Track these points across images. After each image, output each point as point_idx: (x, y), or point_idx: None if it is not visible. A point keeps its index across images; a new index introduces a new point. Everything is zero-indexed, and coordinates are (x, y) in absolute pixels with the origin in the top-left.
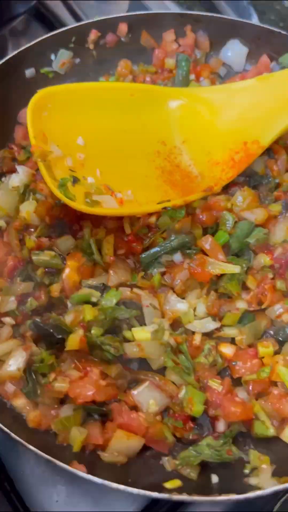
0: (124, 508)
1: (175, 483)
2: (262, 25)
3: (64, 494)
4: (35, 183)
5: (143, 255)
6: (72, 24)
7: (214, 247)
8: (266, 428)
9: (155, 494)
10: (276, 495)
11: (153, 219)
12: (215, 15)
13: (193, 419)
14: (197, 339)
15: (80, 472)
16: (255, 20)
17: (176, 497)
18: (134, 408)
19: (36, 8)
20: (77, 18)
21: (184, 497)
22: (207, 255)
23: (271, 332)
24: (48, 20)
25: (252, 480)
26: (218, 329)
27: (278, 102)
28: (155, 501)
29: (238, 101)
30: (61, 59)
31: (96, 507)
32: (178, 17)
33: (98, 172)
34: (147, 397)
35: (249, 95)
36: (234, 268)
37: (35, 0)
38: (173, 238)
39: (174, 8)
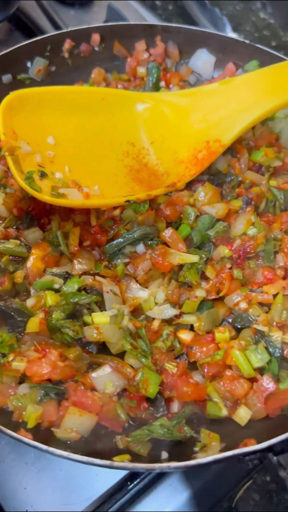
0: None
1: (123, 458)
2: (227, 35)
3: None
4: (6, 179)
5: (107, 246)
6: (50, 31)
7: (175, 239)
8: (218, 409)
9: (97, 461)
10: (241, 481)
11: (117, 212)
12: (183, 26)
13: (149, 400)
14: (155, 324)
15: (25, 439)
16: (228, 29)
17: (117, 464)
18: (93, 389)
19: (17, 17)
20: (56, 26)
21: (124, 464)
22: (169, 246)
23: (230, 320)
24: (28, 29)
25: (200, 456)
26: (178, 316)
27: (238, 104)
28: (115, 490)
29: (201, 104)
30: (37, 66)
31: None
32: (148, 28)
33: (67, 169)
34: (104, 379)
35: (212, 98)
36: (192, 258)
37: (14, 9)
38: (135, 229)
39: (152, 20)
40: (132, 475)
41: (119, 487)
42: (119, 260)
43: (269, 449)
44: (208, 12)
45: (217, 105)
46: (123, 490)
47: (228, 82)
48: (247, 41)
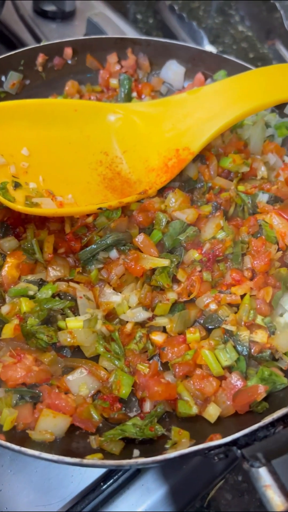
0: (64, 495)
1: (95, 456)
2: (195, 46)
3: (8, 483)
4: None
5: (81, 252)
6: (32, 45)
7: (147, 244)
8: (189, 407)
9: (67, 459)
10: (213, 481)
11: (90, 219)
12: (152, 38)
13: (122, 401)
14: (128, 327)
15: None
16: (206, 42)
17: (86, 461)
18: (67, 392)
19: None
20: (38, 39)
21: (93, 461)
22: (141, 252)
23: (201, 321)
24: (10, 41)
25: (169, 453)
26: (150, 319)
27: (205, 113)
28: (89, 490)
29: (170, 113)
30: (11, 80)
31: (37, 494)
32: (119, 40)
33: (41, 179)
34: (79, 381)
35: (180, 107)
36: (163, 262)
37: None
38: (108, 235)
39: (132, 33)
40: (106, 476)
41: (93, 488)
42: (93, 266)
43: (234, 443)
44: (186, 25)
45: (185, 114)
46: (97, 490)
47: (195, 92)
48: (214, 52)
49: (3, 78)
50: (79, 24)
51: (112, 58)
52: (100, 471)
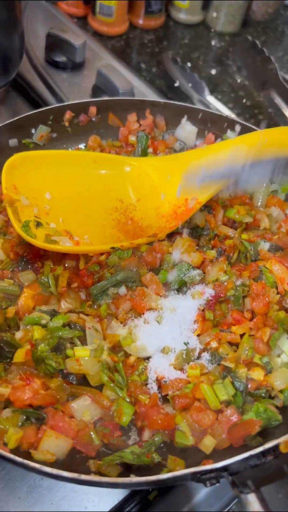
0: None
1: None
2: (206, 109)
3: None
4: (6, 227)
5: (92, 287)
6: (44, 92)
7: (153, 282)
8: (186, 437)
9: (65, 473)
10: None
11: (103, 257)
12: (169, 101)
13: (122, 429)
14: (131, 359)
15: (3, 451)
16: (207, 92)
17: (84, 477)
18: (71, 417)
19: (14, 79)
20: (49, 88)
21: (90, 477)
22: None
23: (205, 357)
24: (24, 89)
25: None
26: None
27: None
28: None
29: (181, 167)
30: (40, 133)
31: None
32: (138, 102)
33: (61, 220)
34: (82, 408)
35: (189, 162)
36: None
37: (14, 74)
38: (118, 273)
39: (136, 81)
40: (120, 507)
41: None
42: (103, 301)
43: (225, 469)
44: (188, 76)
45: None
46: None
47: (205, 148)
48: (224, 115)
49: (32, 131)
50: (88, 74)
51: (132, 117)
52: (113, 503)
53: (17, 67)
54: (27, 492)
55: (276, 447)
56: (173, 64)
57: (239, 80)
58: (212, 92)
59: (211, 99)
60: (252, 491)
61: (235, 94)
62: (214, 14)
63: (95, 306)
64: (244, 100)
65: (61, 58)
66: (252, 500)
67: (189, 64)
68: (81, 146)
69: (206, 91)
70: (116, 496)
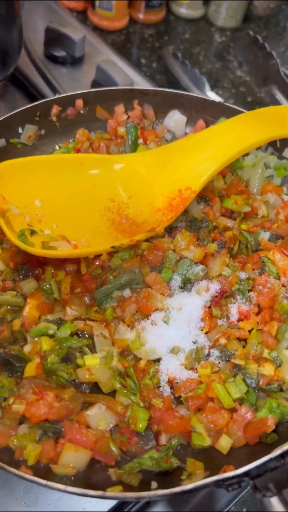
0: None
1: (116, 489)
2: (197, 95)
3: None
4: (2, 235)
5: (96, 292)
6: (43, 87)
7: (157, 282)
8: (203, 439)
9: (91, 492)
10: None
11: (104, 256)
12: (158, 89)
13: (139, 435)
14: (142, 363)
15: (27, 475)
16: (207, 88)
17: (109, 494)
18: (87, 427)
19: (13, 74)
20: (49, 83)
21: (115, 494)
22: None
23: (214, 354)
24: (23, 85)
25: (185, 484)
26: None
27: (203, 154)
28: None
29: (171, 158)
30: (27, 133)
31: None
32: (127, 91)
33: (54, 226)
34: (98, 416)
35: (180, 152)
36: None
37: (12, 69)
38: (122, 276)
39: (136, 76)
40: (118, 508)
41: None
42: (108, 304)
43: (246, 474)
44: (189, 72)
45: (184, 157)
46: None
47: (193, 136)
48: (216, 100)
49: (20, 130)
50: (88, 69)
51: (119, 109)
52: (111, 504)
53: (16, 62)
54: (24, 493)
55: None
56: (173, 59)
57: (240, 76)
58: (212, 87)
59: (211, 95)
60: (274, 494)
61: (236, 90)
62: (215, 9)
63: (101, 311)
64: (245, 96)
65: (60, 53)
66: (275, 503)
67: (189, 60)
68: (71, 140)
69: (207, 87)
70: None
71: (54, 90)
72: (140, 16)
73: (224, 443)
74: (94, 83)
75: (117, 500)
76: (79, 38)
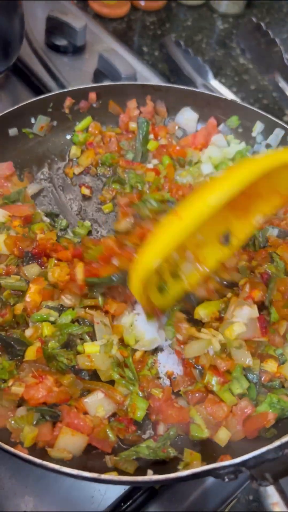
0: None
1: (111, 474)
2: (210, 93)
3: (32, 504)
4: (10, 222)
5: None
6: (45, 77)
7: None
8: (201, 430)
9: (85, 474)
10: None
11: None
12: (172, 85)
13: (137, 424)
14: (137, 355)
15: (22, 453)
16: (210, 76)
17: (104, 476)
18: (85, 413)
19: (14, 64)
20: (50, 72)
21: (110, 477)
22: None
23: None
24: (25, 75)
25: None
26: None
27: None
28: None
29: None
30: (40, 123)
31: None
32: (140, 87)
33: None
34: (96, 404)
35: None
36: None
37: (14, 59)
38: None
39: (138, 65)
40: (126, 497)
41: (113, 509)
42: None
43: (243, 464)
44: (191, 59)
45: None
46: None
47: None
48: (229, 98)
49: (32, 120)
50: (89, 58)
51: (131, 104)
52: (119, 493)
53: (18, 52)
54: (34, 481)
55: None
56: (175, 47)
57: (243, 64)
58: (215, 75)
59: (215, 83)
60: (271, 483)
61: (239, 77)
62: None
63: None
64: (248, 84)
65: (61, 42)
66: (271, 492)
67: (191, 48)
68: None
69: (210, 75)
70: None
71: (56, 80)
72: (142, 3)
73: (222, 436)
74: (97, 73)
75: (125, 489)
76: (80, 27)
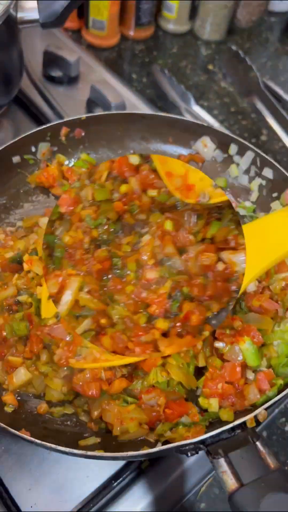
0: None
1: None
2: (191, 120)
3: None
4: None
5: None
6: (43, 106)
7: None
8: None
9: (76, 451)
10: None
11: None
12: (156, 113)
13: None
14: None
15: (26, 436)
16: (193, 103)
17: (89, 453)
18: None
19: (15, 95)
20: (47, 101)
21: (94, 453)
22: None
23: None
24: (24, 104)
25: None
26: None
27: None
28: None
29: None
30: (42, 150)
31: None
32: (127, 115)
33: None
34: None
35: None
36: None
37: (16, 92)
38: None
39: (127, 92)
40: (115, 477)
41: (105, 486)
42: None
43: (202, 442)
44: (175, 86)
45: None
46: (109, 488)
47: None
48: (205, 124)
49: (32, 148)
50: (83, 87)
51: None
52: (110, 472)
53: (18, 86)
54: (37, 465)
55: (243, 423)
56: (161, 75)
57: (224, 87)
58: (199, 99)
59: (196, 108)
60: (222, 456)
61: (220, 100)
62: (200, 24)
63: None
64: (229, 106)
65: (57, 73)
66: (222, 463)
67: (177, 73)
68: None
69: (192, 102)
70: (113, 466)
71: (53, 109)
72: (131, 33)
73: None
74: (89, 102)
75: (116, 469)
76: (74, 60)
